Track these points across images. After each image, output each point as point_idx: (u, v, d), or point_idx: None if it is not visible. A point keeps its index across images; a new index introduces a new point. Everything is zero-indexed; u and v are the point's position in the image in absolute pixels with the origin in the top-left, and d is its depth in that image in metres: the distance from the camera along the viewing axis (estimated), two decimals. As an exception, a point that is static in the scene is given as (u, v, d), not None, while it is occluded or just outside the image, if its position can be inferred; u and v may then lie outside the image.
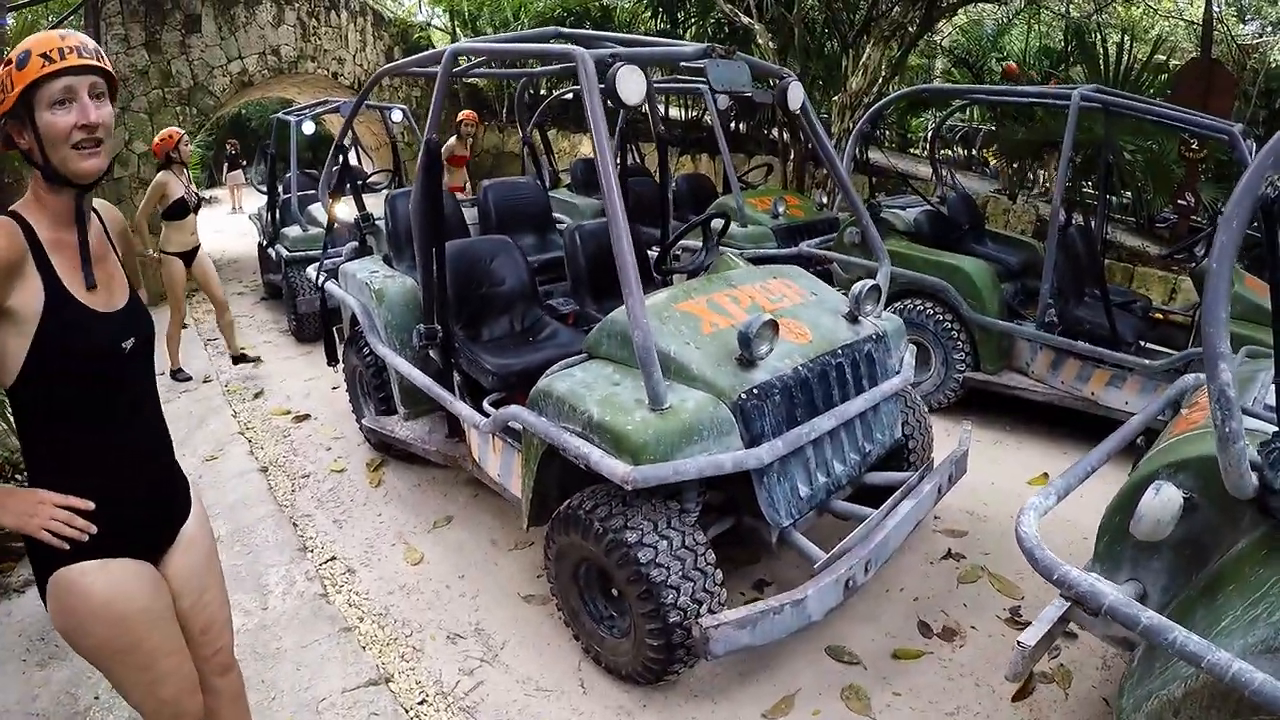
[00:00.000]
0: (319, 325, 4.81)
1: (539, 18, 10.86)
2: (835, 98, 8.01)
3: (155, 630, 1.63)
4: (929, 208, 5.42)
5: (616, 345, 2.69)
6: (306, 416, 5.07)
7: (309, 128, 7.50)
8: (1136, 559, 1.93)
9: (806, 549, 2.58)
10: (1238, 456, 1.46)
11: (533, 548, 3.42)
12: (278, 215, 7.17)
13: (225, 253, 10.83)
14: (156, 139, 5.52)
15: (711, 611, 2.35)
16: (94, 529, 1.52)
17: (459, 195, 7.12)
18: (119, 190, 7.55)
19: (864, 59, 7.63)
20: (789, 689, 2.61)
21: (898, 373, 3.08)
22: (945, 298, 4.65)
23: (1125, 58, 7.36)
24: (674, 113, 11.42)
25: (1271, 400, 2.25)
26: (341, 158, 4.27)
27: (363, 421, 4.33)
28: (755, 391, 2.50)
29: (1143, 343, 4.47)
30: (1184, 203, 6.62)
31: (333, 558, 3.47)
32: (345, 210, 4.41)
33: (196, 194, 5.68)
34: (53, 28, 6.93)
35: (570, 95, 8.43)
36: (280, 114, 7.99)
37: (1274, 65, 8.80)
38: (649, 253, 4.18)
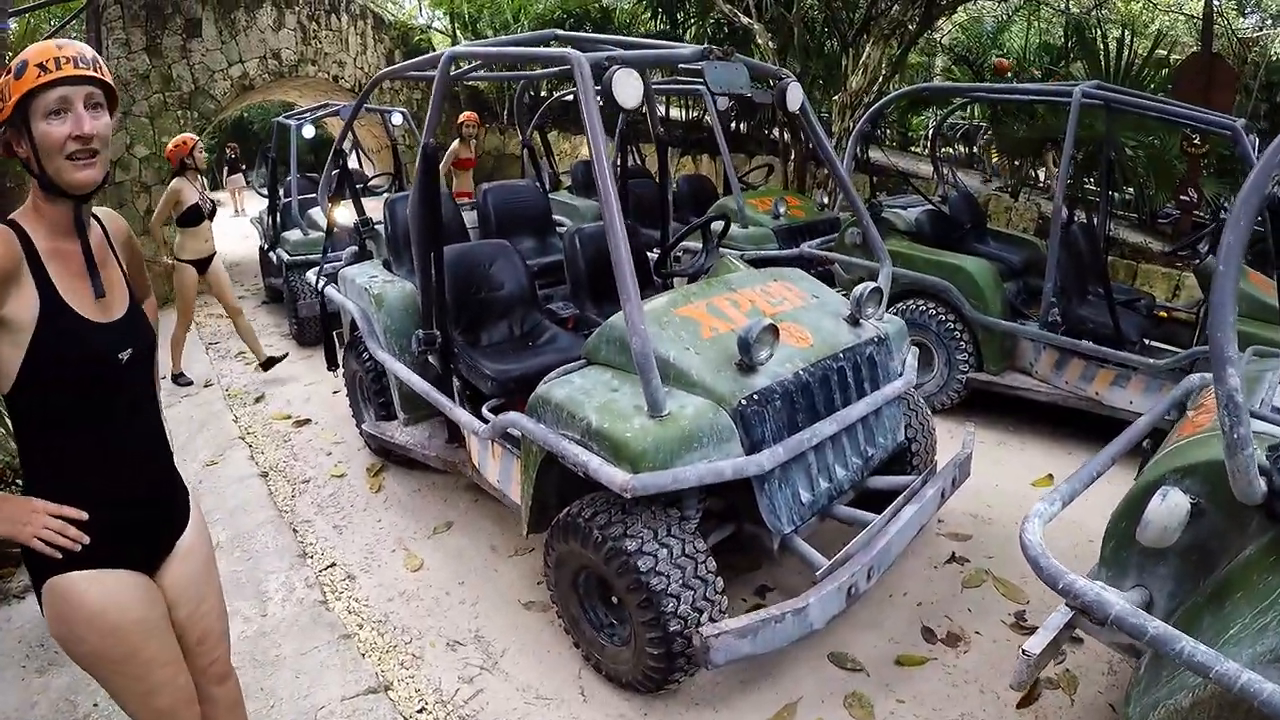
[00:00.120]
0: (319, 329, 4.80)
1: (539, 19, 10.84)
2: (835, 97, 7.98)
3: (150, 641, 1.62)
4: (930, 207, 5.39)
5: (615, 351, 2.67)
6: (307, 421, 5.05)
7: (309, 131, 7.50)
8: (1143, 565, 1.90)
9: (808, 555, 2.55)
10: (1246, 463, 1.44)
11: (533, 554, 3.40)
12: (278, 219, 7.17)
13: (227, 256, 10.74)
14: (170, 145, 5.50)
15: (712, 620, 2.33)
16: (87, 539, 1.51)
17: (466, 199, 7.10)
18: (120, 194, 7.55)
19: (864, 58, 7.60)
20: (791, 696, 2.58)
21: (900, 375, 3.05)
22: (947, 298, 4.62)
23: (1126, 53, 7.33)
24: (674, 113, 11.39)
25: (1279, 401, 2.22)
26: (341, 162, 4.25)
27: (363, 427, 4.32)
28: (755, 397, 2.48)
29: (1147, 341, 4.43)
30: (1187, 198, 6.58)
31: (332, 564, 3.45)
32: (345, 214, 4.39)
33: (211, 201, 5.66)
34: (54, 32, 6.95)
35: (571, 97, 8.42)
36: (280, 118, 7.98)
37: (1274, 59, 8.75)
38: (649, 255, 4.15)
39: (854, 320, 3.00)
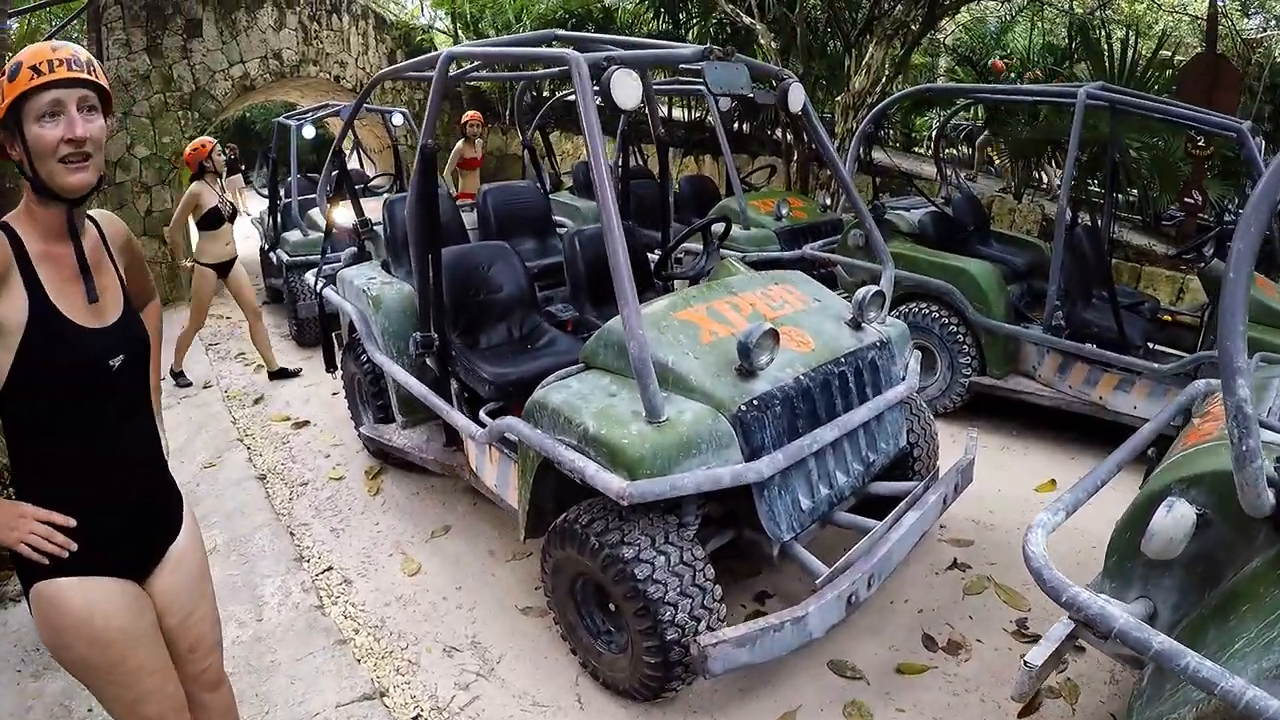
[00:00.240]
0: (319, 331, 4.78)
1: (541, 19, 10.81)
2: (838, 98, 7.94)
3: (138, 649, 1.60)
4: (934, 209, 5.35)
5: (613, 355, 2.64)
6: (306, 423, 5.03)
7: (309, 132, 7.48)
8: (1147, 576, 1.87)
9: (808, 563, 2.53)
10: (1255, 475, 1.41)
11: (531, 558, 3.37)
12: (279, 219, 7.15)
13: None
14: (188, 149, 5.48)
15: (710, 628, 2.30)
16: (74, 546, 1.50)
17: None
18: (121, 195, 7.54)
19: (867, 58, 7.56)
20: (790, 705, 2.55)
21: (902, 380, 3.02)
22: (950, 301, 4.58)
23: (1130, 54, 7.29)
24: (676, 114, 11.36)
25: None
26: (339, 162, 4.22)
27: (361, 429, 4.29)
28: (755, 403, 2.45)
29: (1151, 345, 4.40)
30: (1191, 201, 6.54)
31: (329, 568, 3.43)
32: (344, 215, 4.37)
33: (231, 204, 5.64)
34: (54, 32, 6.94)
35: (573, 97, 8.37)
36: (281, 118, 7.97)
37: (1279, 60, 8.70)
38: (650, 256, 4.12)
39: (856, 324, 2.97)
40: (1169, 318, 4.87)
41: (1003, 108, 8.14)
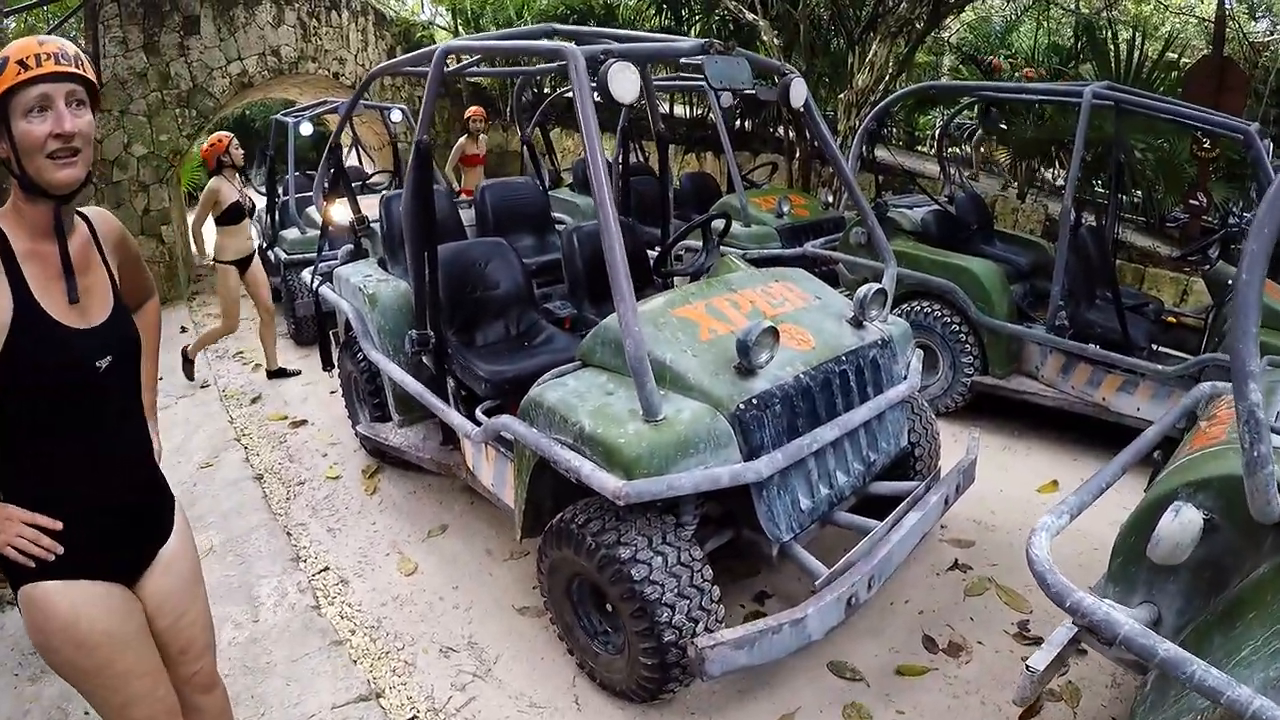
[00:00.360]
0: (316, 329, 4.75)
1: (542, 15, 10.75)
2: (841, 95, 7.89)
3: (126, 652, 1.58)
4: (937, 207, 5.32)
5: (610, 353, 2.60)
6: (304, 422, 5.00)
7: (307, 129, 7.44)
8: (1152, 581, 1.84)
9: (808, 564, 2.50)
10: (1265, 481, 1.37)
11: (528, 558, 3.34)
12: (276, 217, 7.12)
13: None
14: (205, 144, 5.44)
15: (708, 630, 2.27)
16: (60, 549, 1.48)
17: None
18: (118, 194, 7.50)
19: (870, 56, 7.52)
20: (789, 707, 2.52)
21: (904, 379, 2.98)
22: (953, 299, 4.55)
23: (1136, 55, 7.24)
24: (678, 110, 11.31)
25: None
26: (335, 158, 4.19)
27: (358, 428, 4.27)
28: (754, 401, 2.41)
29: (1155, 347, 4.36)
30: (1196, 203, 6.49)
31: (326, 568, 3.40)
32: (341, 212, 4.33)
33: (250, 199, 5.61)
34: (51, 30, 6.92)
35: (572, 94, 8.33)
36: (279, 115, 7.93)
37: (1286, 63, 8.64)
38: (650, 254, 4.09)
39: (857, 322, 2.93)
40: (1173, 319, 4.83)
41: (1007, 106, 8.10)
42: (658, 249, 3.97)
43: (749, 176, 8.03)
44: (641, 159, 8.14)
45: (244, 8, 8.22)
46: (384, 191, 5.57)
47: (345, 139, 9.26)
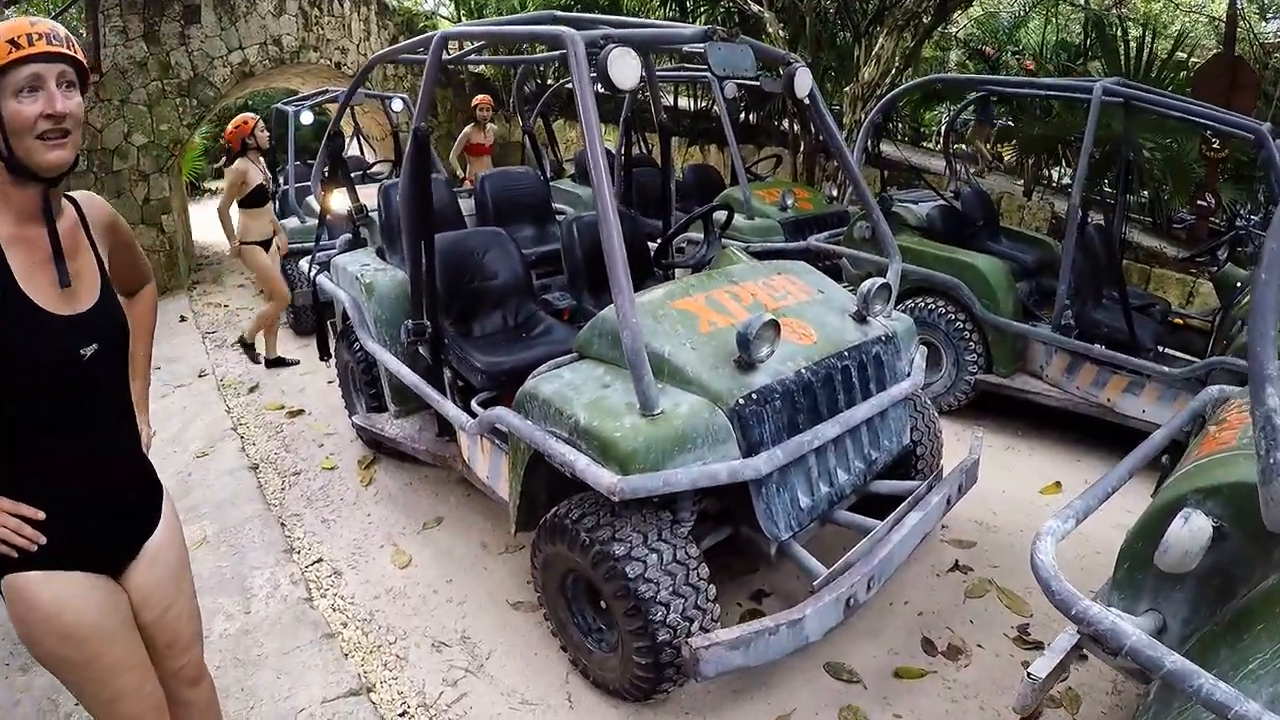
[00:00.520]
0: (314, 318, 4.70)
1: (545, 5, 10.68)
2: (847, 89, 7.82)
3: (113, 645, 1.55)
4: (942, 202, 5.26)
5: (608, 345, 2.55)
6: (300, 411, 4.96)
7: (307, 118, 7.39)
8: (1158, 589, 1.78)
9: (806, 563, 2.45)
10: (1280, 491, 1.32)
11: (523, 552, 3.30)
12: (276, 206, 7.06)
13: (227, 244, 10.74)
14: (230, 127, 5.39)
15: (703, 630, 2.23)
16: (44, 539, 1.45)
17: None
18: (118, 184, 7.46)
19: (877, 49, 7.45)
20: (785, 708, 2.48)
21: (907, 376, 2.93)
22: (958, 296, 4.50)
23: (1146, 53, 7.16)
24: (682, 103, 11.25)
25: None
26: (333, 147, 4.14)
27: (354, 419, 4.22)
28: (754, 396, 2.36)
29: (1161, 348, 4.31)
30: (1204, 203, 6.42)
31: (319, 559, 3.37)
32: (339, 201, 4.28)
33: (273, 182, 5.56)
34: (54, 18, 6.86)
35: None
36: (279, 104, 7.87)
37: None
38: (651, 245, 4.04)
39: (860, 317, 2.88)
40: (1180, 321, 4.78)
41: (1015, 102, 8.03)
42: (659, 240, 3.92)
43: (753, 169, 7.97)
44: (644, 151, 8.07)
45: (245, -4, 8.16)
46: (384, 181, 5.52)
47: (346, 128, 9.24)
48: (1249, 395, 2.24)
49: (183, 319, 7.11)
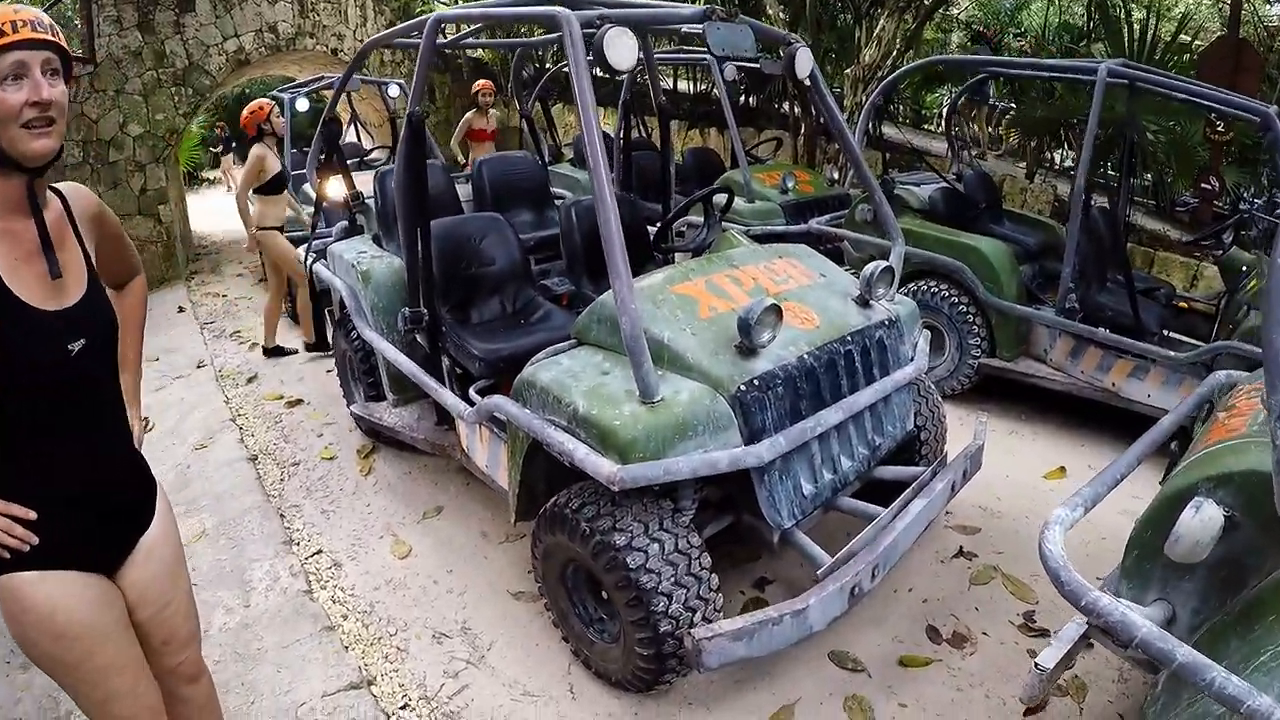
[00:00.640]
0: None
1: (546, -9, 10.56)
2: (848, 71, 7.74)
3: (105, 645, 1.52)
4: (945, 185, 5.20)
5: (607, 331, 2.51)
6: (299, 401, 4.93)
7: (303, 104, 7.31)
8: (1167, 578, 1.75)
9: (810, 551, 2.42)
10: (1296, 479, 1.28)
11: (524, 540, 3.27)
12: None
13: (227, 234, 10.72)
14: (246, 111, 5.33)
15: (706, 620, 2.20)
16: (35, 539, 1.42)
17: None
18: (114, 174, 7.42)
19: (878, 31, 7.36)
20: (789, 698, 2.46)
21: (911, 360, 2.89)
22: (961, 279, 4.45)
23: (1149, 35, 7.07)
24: (681, 86, 11.15)
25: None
26: (328, 133, 4.08)
27: (352, 408, 4.19)
28: (756, 383, 2.32)
29: (1166, 332, 4.26)
30: (1208, 186, 6.37)
31: (319, 551, 3.34)
32: (335, 188, 4.24)
33: (288, 168, 5.53)
34: (46, 9, 6.78)
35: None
36: (275, 91, 7.80)
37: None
38: (650, 229, 3.99)
39: (863, 301, 2.83)
40: (1185, 305, 4.73)
41: (1018, 84, 7.94)
42: (658, 224, 3.87)
43: (753, 152, 7.90)
44: (644, 134, 8.00)
45: (240, -18, 8.07)
46: (381, 167, 5.47)
47: (343, 115, 9.16)
48: (1258, 381, 2.21)
49: (181, 310, 7.07)
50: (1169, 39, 7.39)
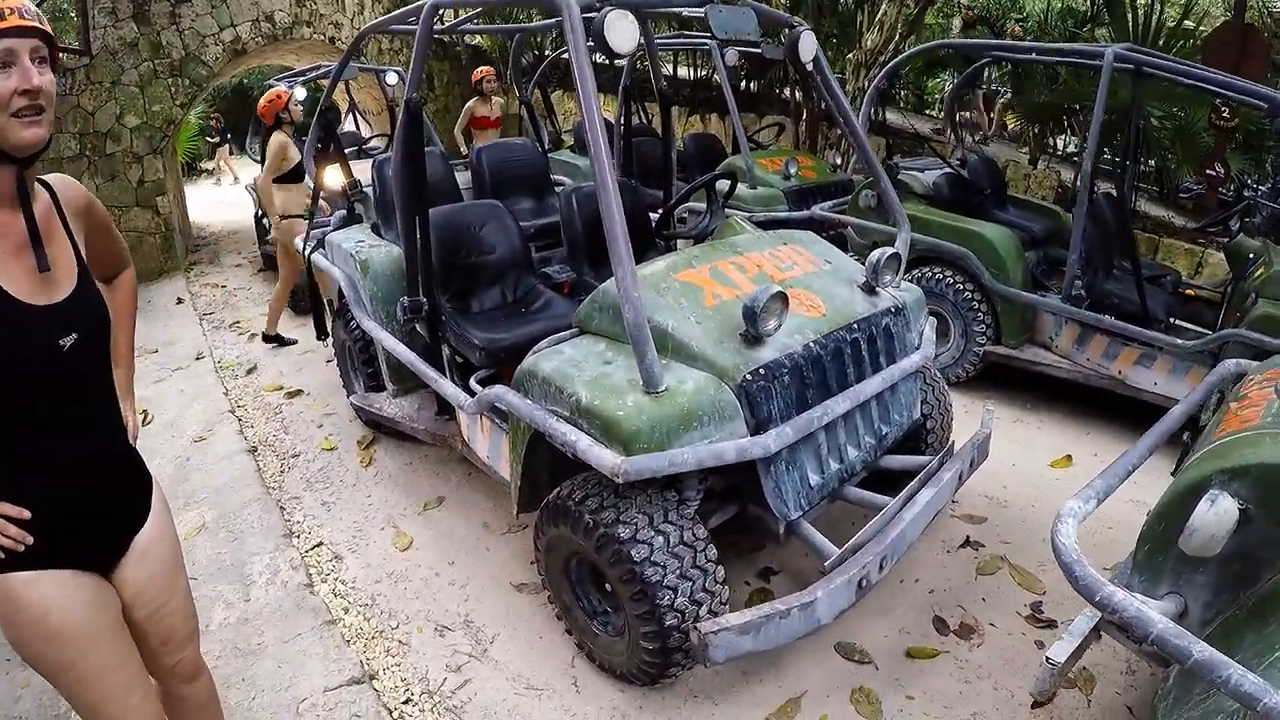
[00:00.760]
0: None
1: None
2: (850, 55, 7.66)
3: (98, 647, 1.49)
4: (949, 170, 5.14)
5: (609, 320, 2.47)
6: (299, 392, 4.90)
7: (300, 93, 7.24)
8: (1180, 572, 1.72)
9: (816, 542, 2.38)
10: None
11: (526, 531, 3.25)
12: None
13: (226, 224, 10.67)
14: (263, 100, 5.30)
15: (712, 613, 2.17)
16: (30, 539, 1.39)
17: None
18: (112, 166, 7.36)
19: (880, 15, 7.28)
20: (795, 690, 2.43)
21: (917, 348, 2.85)
22: (965, 266, 4.41)
23: (1154, 20, 7.00)
24: (682, 72, 11.06)
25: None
26: (325, 122, 4.03)
27: (352, 398, 4.16)
28: (762, 371, 2.28)
29: (1172, 320, 4.22)
30: (1213, 173, 6.32)
31: (319, 543, 3.31)
32: (333, 177, 4.19)
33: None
34: (39, 3, 6.71)
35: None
36: (272, 80, 7.74)
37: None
38: (652, 216, 3.94)
39: (870, 288, 2.79)
40: (1191, 292, 4.69)
41: (1021, 70, 7.86)
42: (660, 211, 3.82)
43: (754, 138, 7.83)
44: (644, 121, 7.93)
45: (235, -29, 7.97)
46: (379, 155, 5.42)
47: (341, 103, 9.09)
48: (1270, 370, 2.18)
49: (180, 301, 7.04)
50: (1174, 24, 7.31)
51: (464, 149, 8.18)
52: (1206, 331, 3.93)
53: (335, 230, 4.04)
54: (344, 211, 4.22)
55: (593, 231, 3.61)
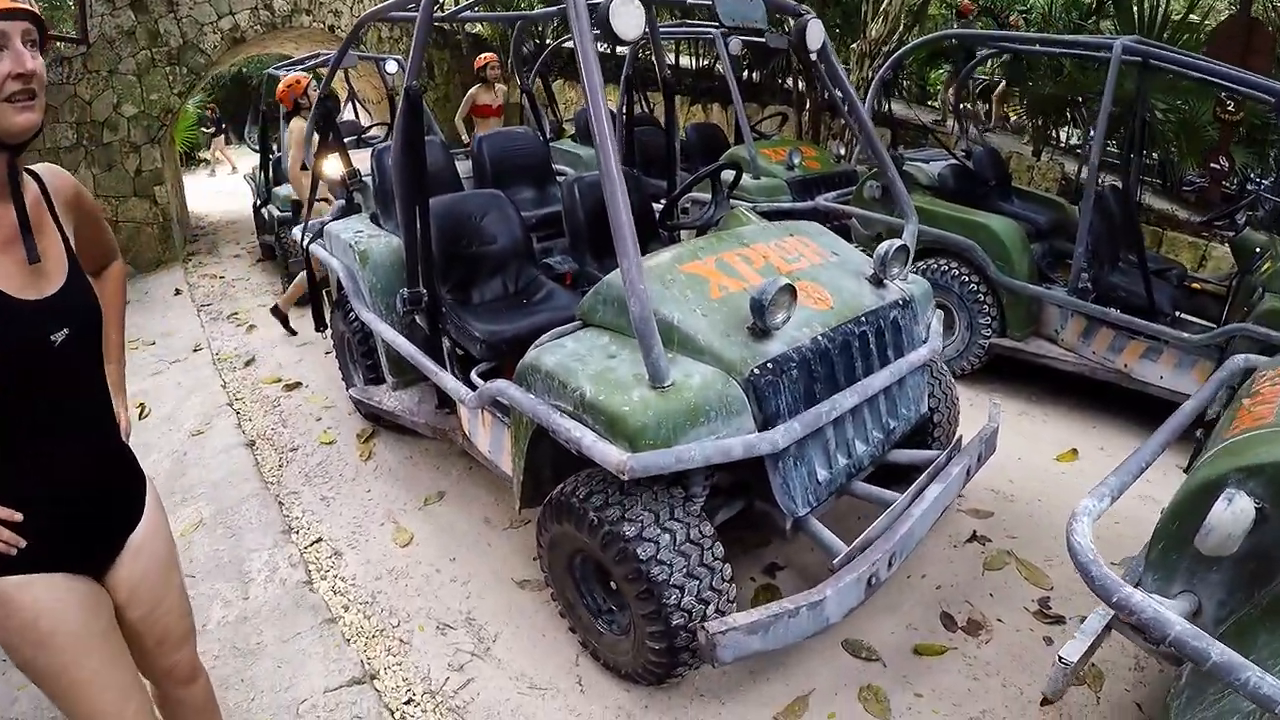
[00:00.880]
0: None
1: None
2: (854, 45, 7.60)
3: (90, 655, 1.45)
4: (954, 162, 5.10)
5: (613, 312, 2.42)
6: (298, 384, 4.85)
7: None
8: (1194, 570, 1.68)
9: (824, 539, 2.35)
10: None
11: (529, 527, 3.21)
12: (270, 174, 6.90)
13: (224, 214, 10.60)
14: (281, 86, 5.27)
15: (720, 612, 2.14)
16: (22, 543, 1.35)
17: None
18: (109, 156, 7.29)
19: (884, 5, 7.22)
20: (803, 689, 2.40)
21: (925, 341, 2.81)
22: (971, 258, 4.36)
23: (1160, 14, 6.95)
24: (684, 61, 10.99)
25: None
26: (323, 111, 3.98)
27: (351, 391, 4.12)
28: (770, 366, 2.24)
29: (1178, 314, 4.19)
30: (1217, 166, 6.29)
31: (319, 539, 3.27)
32: (332, 166, 4.14)
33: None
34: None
35: (572, 43, 8.02)
36: (271, 69, 7.66)
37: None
38: (656, 206, 3.89)
39: (877, 280, 2.75)
40: (1196, 286, 4.66)
41: (1024, 60, 7.80)
42: (664, 201, 3.77)
43: (758, 128, 7.77)
44: (647, 110, 7.87)
45: (233, -42, 7.88)
46: (378, 144, 5.36)
47: (341, 92, 9.01)
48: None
49: (178, 292, 6.98)
50: (1179, 17, 7.27)
51: (465, 137, 8.11)
52: (1212, 325, 3.91)
53: (334, 220, 3.99)
54: (343, 201, 4.17)
55: (595, 222, 3.56)
